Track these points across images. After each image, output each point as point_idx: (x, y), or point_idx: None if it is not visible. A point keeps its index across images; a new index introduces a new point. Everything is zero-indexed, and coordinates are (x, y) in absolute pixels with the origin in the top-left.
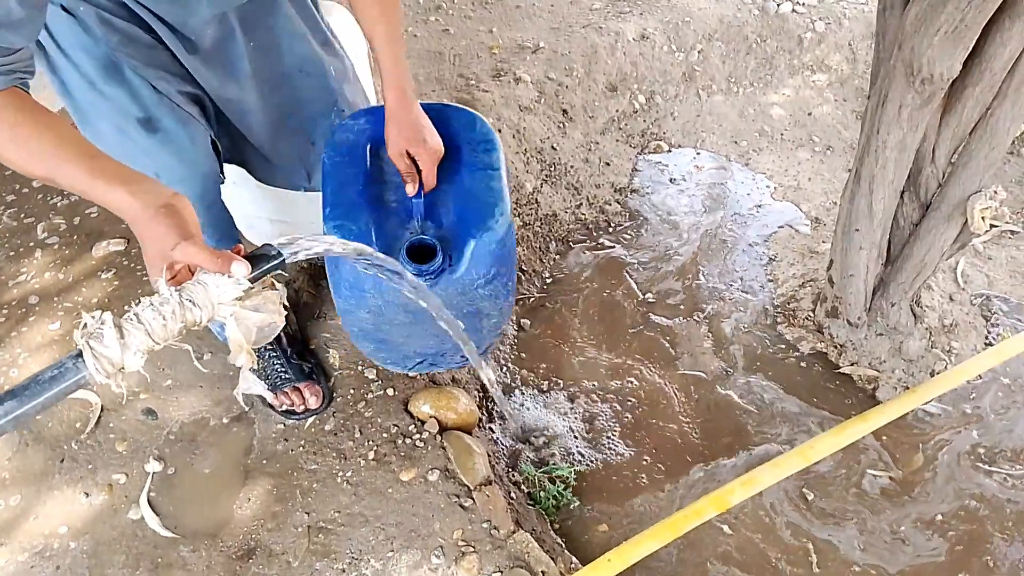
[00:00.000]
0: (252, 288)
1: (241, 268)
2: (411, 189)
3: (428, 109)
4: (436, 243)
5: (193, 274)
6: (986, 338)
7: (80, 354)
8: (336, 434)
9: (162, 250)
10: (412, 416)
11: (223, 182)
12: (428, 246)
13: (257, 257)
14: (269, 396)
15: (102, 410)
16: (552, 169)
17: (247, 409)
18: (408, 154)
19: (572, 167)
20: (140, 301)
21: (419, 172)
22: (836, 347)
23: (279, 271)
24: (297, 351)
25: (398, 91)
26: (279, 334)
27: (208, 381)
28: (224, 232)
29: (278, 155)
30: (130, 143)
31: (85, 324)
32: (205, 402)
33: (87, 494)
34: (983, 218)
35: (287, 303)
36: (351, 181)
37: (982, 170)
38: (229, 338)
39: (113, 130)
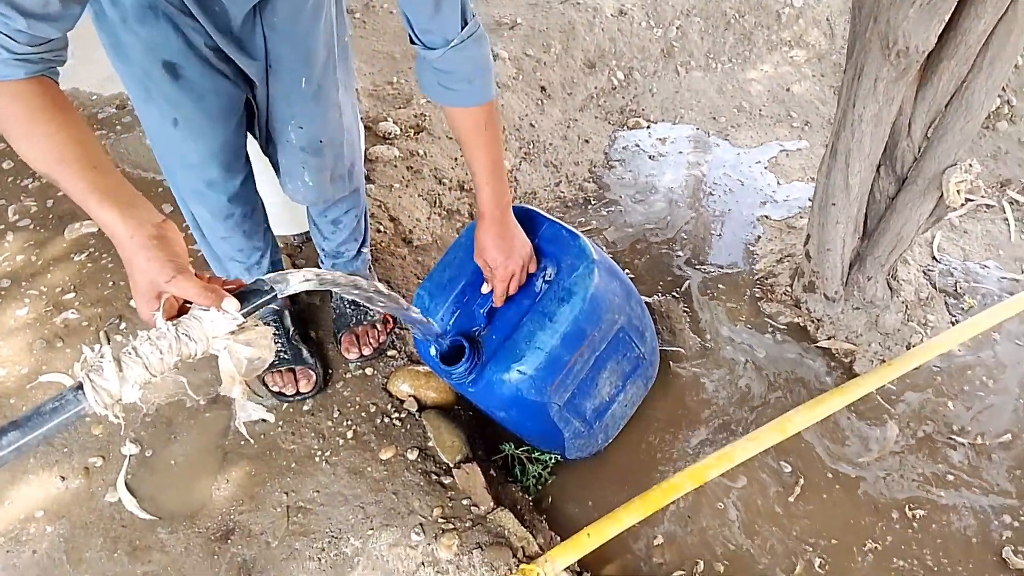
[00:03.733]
0: (245, 323)
1: (232, 304)
2: (484, 288)
3: (541, 223)
4: (467, 346)
5: (180, 304)
6: (961, 311)
7: (80, 386)
8: (314, 414)
9: (154, 281)
10: (391, 395)
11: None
12: (462, 347)
13: (249, 292)
14: (271, 417)
15: None
16: (531, 147)
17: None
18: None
19: (551, 145)
20: (122, 324)
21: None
22: (813, 321)
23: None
24: (300, 333)
25: (487, 218)
26: (284, 311)
27: (185, 364)
28: (244, 208)
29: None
30: (152, 85)
31: (85, 358)
32: (182, 385)
33: (63, 478)
34: (958, 191)
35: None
36: (455, 268)
37: (957, 143)
38: (222, 371)
39: (137, 70)
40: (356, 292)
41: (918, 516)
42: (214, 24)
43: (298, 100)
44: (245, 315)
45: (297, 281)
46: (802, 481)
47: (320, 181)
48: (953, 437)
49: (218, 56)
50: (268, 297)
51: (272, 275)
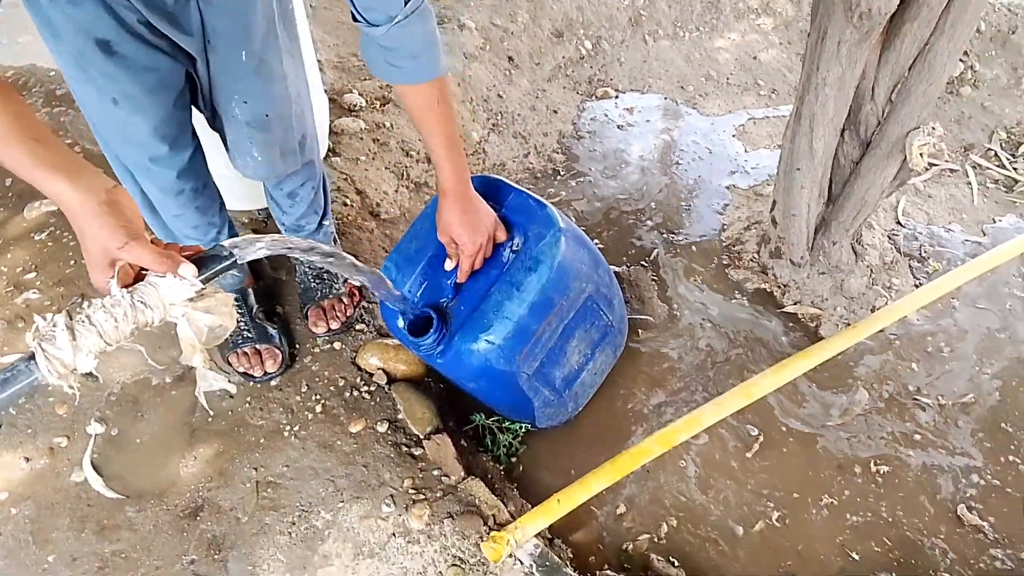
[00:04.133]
0: (204, 289)
1: (189, 269)
2: (448, 264)
3: (508, 192)
4: (434, 318)
5: (136, 271)
6: (925, 275)
7: (33, 356)
8: (282, 389)
9: (106, 248)
10: (360, 369)
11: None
12: (430, 318)
13: (208, 258)
14: (232, 388)
15: None
16: (499, 118)
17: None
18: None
19: (519, 115)
20: (85, 303)
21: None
22: (780, 287)
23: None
24: (264, 310)
25: (449, 194)
26: (247, 290)
27: (150, 341)
28: (195, 183)
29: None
30: (87, 64)
31: (37, 326)
32: (147, 362)
33: (27, 459)
34: (921, 155)
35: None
36: (422, 239)
37: (920, 107)
38: (181, 339)
39: (71, 49)
40: (318, 258)
41: (882, 472)
42: (146, 0)
43: (240, 74)
44: (204, 281)
45: (256, 247)
46: (762, 439)
47: (270, 156)
48: (918, 398)
49: (153, 32)
50: (228, 263)
51: (232, 240)
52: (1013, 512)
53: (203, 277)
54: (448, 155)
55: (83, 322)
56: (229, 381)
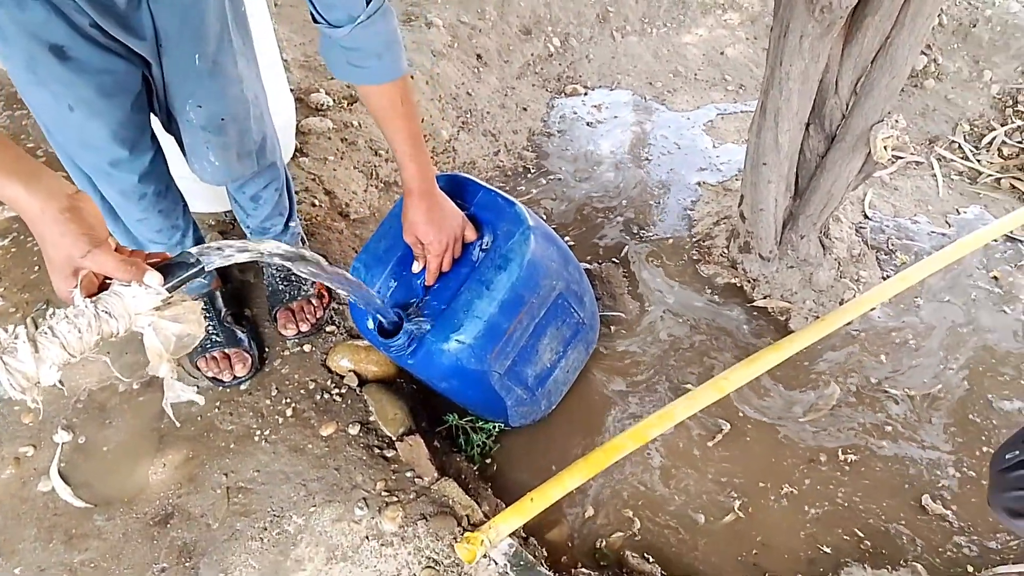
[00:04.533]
0: (171, 297)
1: (154, 278)
2: (416, 267)
3: (476, 191)
4: (404, 318)
5: (100, 280)
6: (893, 267)
7: None
8: (252, 393)
9: (69, 256)
10: (331, 371)
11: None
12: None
13: (175, 265)
14: (200, 399)
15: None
16: (468, 116)
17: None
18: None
19: (488, 113)
20: (49, 309)
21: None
22: (750, 281)
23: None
24: (232, 313)
25: (415, 194)
26: (215, 293)
27: (116, 347)
28: (157, 186)
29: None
30: (40, 69)
31: None
32: (113, 369)
33: None
34: (885, 147)
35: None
36: (391, 238)
37: (884, 99)
38: (148, 348)
39: (23, 54)
40: (287, 263)
41: (850, 461)
42: (97, 4)
43: (193, 77)
44: (170, 289)
45: (224, 253)
46: (726, 429)
47: (226, 159)
48: (887, 390)
49: (105, 35)
50: (195, 270)
51: (199, 247)
52: (981, 502)
53: (169, 285)
54: (412, 154)
55: (45, 333)
56: (198, 388)
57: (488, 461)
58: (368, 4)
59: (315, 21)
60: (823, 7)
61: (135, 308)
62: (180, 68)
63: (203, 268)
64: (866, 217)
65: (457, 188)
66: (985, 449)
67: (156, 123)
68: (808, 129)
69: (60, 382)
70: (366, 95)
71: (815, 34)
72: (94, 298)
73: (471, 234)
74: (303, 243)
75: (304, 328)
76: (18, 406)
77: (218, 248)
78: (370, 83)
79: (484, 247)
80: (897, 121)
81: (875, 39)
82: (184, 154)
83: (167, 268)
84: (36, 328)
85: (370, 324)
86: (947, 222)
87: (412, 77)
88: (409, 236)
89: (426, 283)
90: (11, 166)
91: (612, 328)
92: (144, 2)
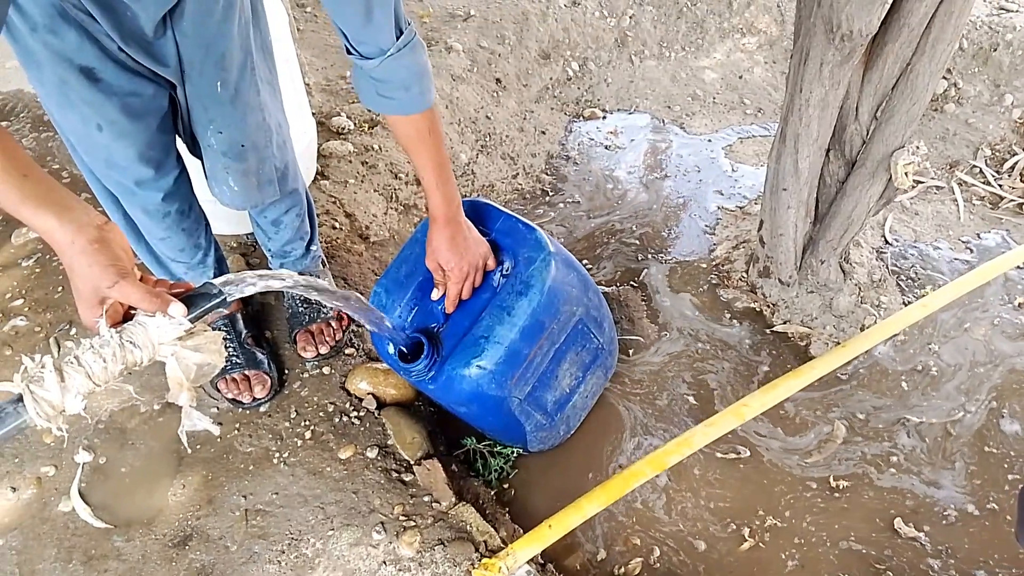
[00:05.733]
0: (193, 328)
1: (178, 309)
2: (435, 294)
3: (497, 216)
4: (426, 343)
5: (125, 309)
6: (914, 292)
7: (21, 398)
8: (271, 415)
9: (96, 287)
10: (349, 394)
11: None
12: (420, 344)
13: (198, 296)
14: (216, 429)
15: None
16: (487, 139)
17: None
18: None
19: (507, 136)
20: (72, 329)
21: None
22: (769, 306)
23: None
24: (252, 335)
25: (439, 221)
26: (235, 316)
27: (135, 370)
28: (181, 205)
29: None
30: (71, 92)
31: (25, 368)
32: (134, 390)
33: (14, 488)
34: (907, 173)
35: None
36: (412, 263)
37: (904, 125)
38: (169, 377)
39: (55, 78)
40: (312, 292)
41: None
42: (124, 31)
43: (214, 104)
44: (193, 320)
45: (247, 284)
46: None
47: (245, 186)
48: (907, 418)
49: (132, 59)
50: (217, 301)
51: (221, 278)
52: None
53: (192, 316)
54: (438, 183)
55: (71, 363)
56: (217, 409)
57: (506, 486)
58: (399, 38)
59: (348, 53)
60: (843, 35)
61: (158, 338)
62: (202, 94)
63: (225, 299)
64: (886, 242)
65: (478, 214)
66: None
67: (181, 144)
68: (828, 155)
69: (84, 411)
70: (394, 124)
71: (835, 61)
72: (119, 328)
73: (492, 263)
74: (324, 266)
75: (323, 350)
76: (31, 430)
77: (241, 279)
78: (398, 114)
79: (505, 273)
80: (918, 147)
81: (895, 66)
82: (206, 177)
83: (190, 299)
84: (59, 349)
85: (390, 349)
86: (968, 248)
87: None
88: (431, 262)
89: (446, 311)
90: (44, 197)
91: (630, 352)
92: (170, 31)
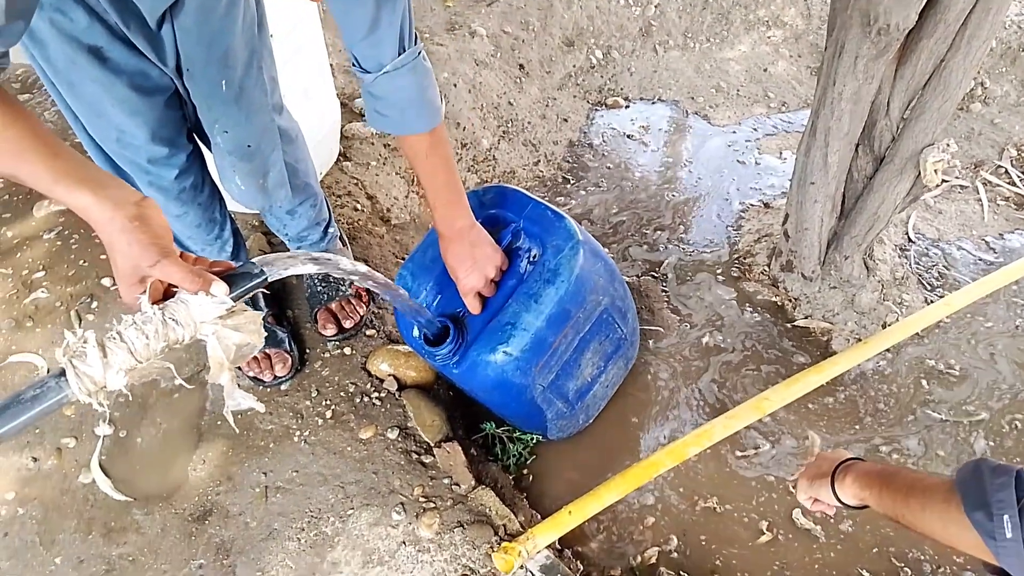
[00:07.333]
0: (234, 307)
1: (221, 288)
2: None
3: (526, 203)
4: (451, 328)
5: (165, 287)
6: (936, 291)
7: (63, 372)
8: (291, 394)
9: (137, 266)
10: (370, 375)
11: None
12: (447, 328)
13: (239, 276)
14: (260, 407)
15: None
16: (509, 125)
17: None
18: None
19: (529, 123)
20: (94, 303)
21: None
22: (791, 300)
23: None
24: (273, 314)
25: (444, 238)
26: (256, 294)
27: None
28: (196, 180)
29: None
30: (81, 71)
31: (68, 343)
32: (155, 364)
33: (35, 459)
34: (935, 171)
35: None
36: (437, 248)
37: (935, 123)
38: (211, 357)
39: (62, 57)
40: (351, 275)
41: None
42: (128, 17)
43: (219, 103)
44: (234, 299)
45: (288, 264)
46: (763, 447)
47: (251, 186)
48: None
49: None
50: (258, 280)
51: (262, 258)
52: None
53: (234, 295)
54: (438, 203)
55: (114, 339)
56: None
57: (524, 472)
58: (399, 55)
59: (352, 65)
60: (880, 29)
61: (200, 317)
62: (206, 93)
63: (267, 279)
64: (909, 240)
65: (506, 200)
66: None
67: None
68: (857, 150)
69: (125, 387)
70: (397, 138)
71: (870, 55)
72: (161, 305)
73: (505, 263)
74: (345, 245)
75: (347, 324)
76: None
77: (281, 259)
78: (391, 132)
79: (532, 259)
80: (948, 144)
81: (929, 62)
82: (218, 172)
83: (231, 278)
84: (80, 323)
85: (415, 332)
86: (992, 248)
87: (455, 86)
88: (448, 269)
89: (470, 311)
90: (78, 174)
91: (650, 343)
92: (170, 26)
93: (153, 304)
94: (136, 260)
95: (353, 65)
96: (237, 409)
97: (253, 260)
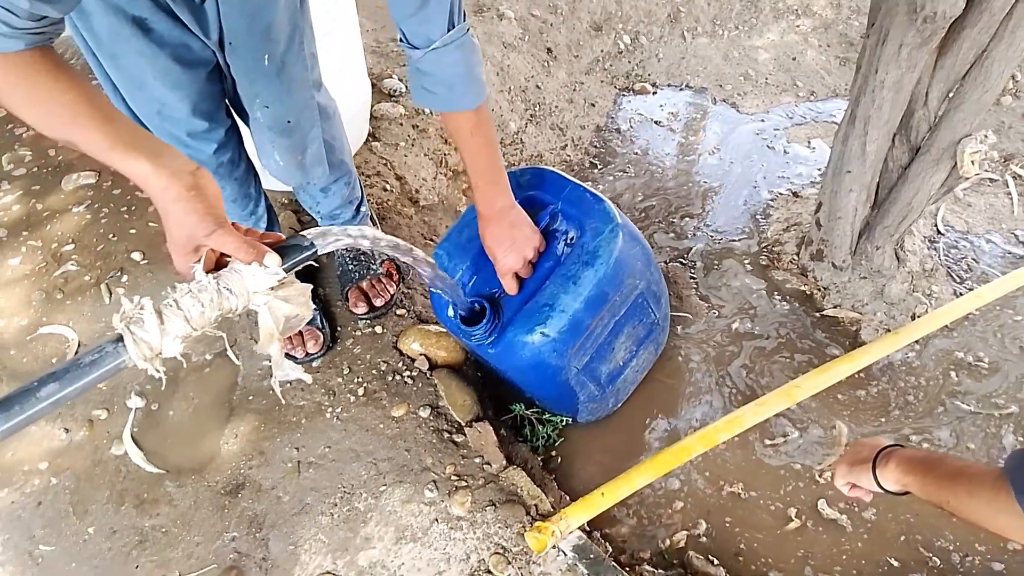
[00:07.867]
0: (285, 279)
1: (274, 259)
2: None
3: (564, 185)
4: (488, 308)
5: (217, 256)
6: (963, 283)
7: (120, 338)
8: (324, 371)
9: (192, 235)
10: (402, 353)
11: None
12: (483, 308)
13: (290, 247)
14: (308, 378)
15: (79, 346)
16: (537, 109)
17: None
18: None
19: (557, 107)
20: (124, 277)
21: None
22: (820, 289)
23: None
24: None
25: (484, 218)
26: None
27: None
28: (233, 155)
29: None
30: (123, 42)
31: (124, 309)
32: (231, 352)
33: (67, 430)
34: (973, 162)
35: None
36: (474, 228)
37: (974, 113)
38: (261, 327)
39: (106, 28)
40: (397, 254)
41: None
42: None
43: (260, 78)
44: (286, 271)
45: (337, 237)
46: (792, 435)
47: (290, 162)
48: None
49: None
50: (308, 253)
51: (313, 230)
52: None
53: (286, 266)
54: (480, 182)
55: (170, 306)
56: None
57: (553, 453)
58: (449, 31)
59: (400, 40)
60: (926, 17)
61: (252, 287)
62: (248, 68)
63: (317, 251)
64: (939, 232)
65: (544, 182)
66: None
67: None
68: (893, 139)
69: (181, 354)
70: (442, 116)
71: (914, 43)
72: (215, 275)
73: (542, 245)
74: (375, 224)
75: (378, 303)
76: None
77: (331, 232)
78: (439, 109)
79: (569, 242)
80: (987, 136)
81: (971, 51)
82: (256, 147)
83: (282, 250)
84: (111, 296)
85: (450, 312)
86: (1021, 241)
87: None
88: (486, 250)
89: (507, 292)
90: (133, 142)
91: (679, 328)
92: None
93: (207, 273)
94: (192, 230)
95: (401, 41)
96: (285, 379)
97: (304, 233)
